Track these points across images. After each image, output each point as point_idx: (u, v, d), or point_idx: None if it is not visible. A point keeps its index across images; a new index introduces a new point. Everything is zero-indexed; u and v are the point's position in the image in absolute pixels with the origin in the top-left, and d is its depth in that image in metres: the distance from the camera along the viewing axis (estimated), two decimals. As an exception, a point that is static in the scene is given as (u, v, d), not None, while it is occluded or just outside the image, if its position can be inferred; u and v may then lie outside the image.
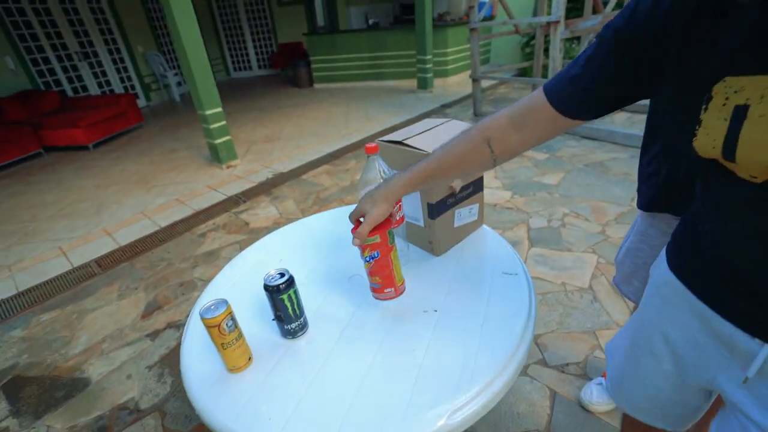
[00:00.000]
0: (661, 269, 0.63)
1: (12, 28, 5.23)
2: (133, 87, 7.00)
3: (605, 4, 4.02)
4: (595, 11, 4.02)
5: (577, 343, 1.51)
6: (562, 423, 1.24)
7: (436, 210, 0.88)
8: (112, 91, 6.62)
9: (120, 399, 1.51)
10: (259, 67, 9.60)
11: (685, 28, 0.41)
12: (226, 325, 0.66)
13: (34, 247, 2.69)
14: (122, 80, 6.83)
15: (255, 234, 2.57)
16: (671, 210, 0.86)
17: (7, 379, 1.66)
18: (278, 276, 0.71)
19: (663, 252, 0.65)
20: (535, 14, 6.32)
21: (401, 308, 0.81)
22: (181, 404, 1.46)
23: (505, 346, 0.69)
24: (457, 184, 0.90)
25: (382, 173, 0.81)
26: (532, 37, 6.12)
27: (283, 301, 0.71)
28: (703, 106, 0.41)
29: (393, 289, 0.81)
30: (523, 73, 6.34)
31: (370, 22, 7.91)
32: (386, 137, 0.91)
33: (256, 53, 9.46)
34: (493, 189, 2.79)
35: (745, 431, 0.52)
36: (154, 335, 1.82)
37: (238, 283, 0.97)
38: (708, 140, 0.41)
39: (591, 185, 2.71)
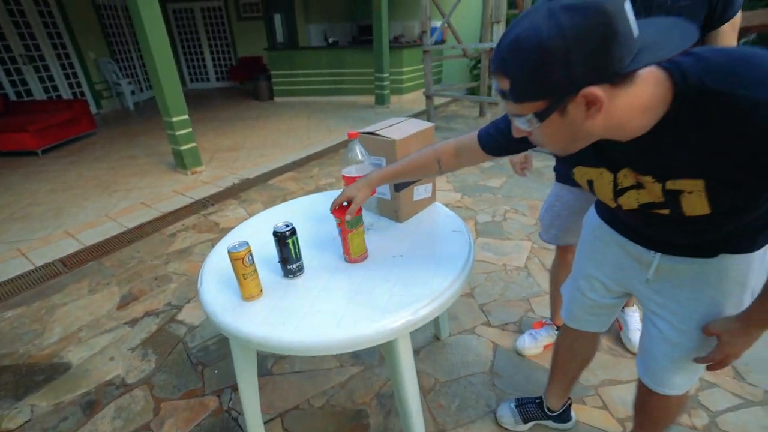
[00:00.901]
0: (592, 218, 0.95)
1: (-50, 28, 4.95)
2: (82, 93, 6.76)
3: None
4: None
5: (514, 308, 1.83)
6: (502, 366, 1.53)
7: (400, 185, 1.15)
8: (59, 96, 6.36)
9: (105, 377, 1.60)
10: (218, 79, 9.59)
11: None
12: (248, 259, 0.87)
13: (-11, 249, 2.62)
14: (71, 86, 6.58)
15: (227, 233, 2.69)
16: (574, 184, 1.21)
17: (-20, 369, 1.68)
18: (284, 226, 0.94)
19: (593, 208, 0.97)
20: (480, 40, 6.98)
21: (376, 255, 1.06)
22: (168, 376, 1.59)
23: (452, 272, 0.96)
24: (416, 166, 1.18)
25: (360, 154, 1.07)
26: (479, 61, 6.75)
27: (288, 245, 0.94)
28: None
29: (348, 256, 1.04)
30: (472, 92, 6.94)
31: (330, 40, 8.25)
32: (362, 129, 1.18)
33: (215, 65, 9.46)
34: (446, 191, 3.14)
35: (651, 312, 0.85)
36: (132, 323, 1.91)
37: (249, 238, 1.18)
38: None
39: (529, 187, 3.14)
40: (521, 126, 0.58)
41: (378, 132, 1.13)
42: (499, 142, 0.84)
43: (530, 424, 1.29)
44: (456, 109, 6.52)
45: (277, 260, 0.98)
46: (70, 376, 1.61)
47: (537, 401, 1.29)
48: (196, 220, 2.96)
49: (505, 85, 0.54)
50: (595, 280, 0.96)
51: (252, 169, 3.91)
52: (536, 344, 1.56)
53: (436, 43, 6.78)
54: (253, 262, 0.90)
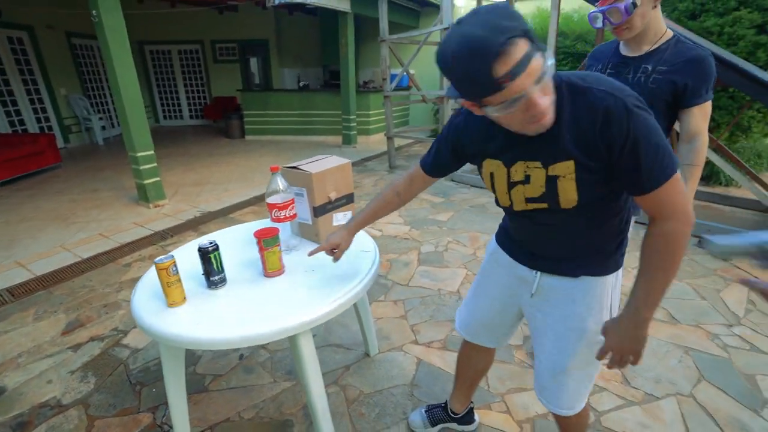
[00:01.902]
0: (492, 244, 1.13)
1: None
2: (50, 128, 6.79)
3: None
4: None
5: (442, 328, 2.01)
6: (422, 378, 1.69)
7: (318, 211, 1.36)
8: (25, 130, 6.37)
9: (40, 399, 1.64)
10: (191, 117, 9.82)
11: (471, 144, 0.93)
12: (172, 269, 1.04)
13: (-67, 279, 2.60)
14: (39, 120, 6.63)
15: (181, 262, 2.78)
16: None
17: None
18: (208, 243, 1.11)
19: (494, 236, 1.14)
20: (440, 88, 7.59)
21: (293, 270, 1.24)
22: (106, 396, 1.64)
23: (351, 283, 1.15)
24: (333, 195, 1.39)
25: (281, 184, 1.28)
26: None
27: (210, 259, 1.10)
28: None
29: (265, 271, 1.20)
30: (434, 134, 7.43)
31: (302, 83, 8.73)
32: (287, 164, 1.39)
33: (189, 103, 9.72)
34: (396, 224, 3.37)
35: (534, 329, 1.02)
36: (75, 347, 1.95)
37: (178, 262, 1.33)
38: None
39: (472, 221, 3.41)
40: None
41: (299, 166, 1.35)
42: (436, 164, 1.03)
43: (438, 427, 1.43)
44: (419, 149, 6.94)
45: (201, 273, 1.14)
46: (2, 400, 1.64)
47: (443, 406, 1.44)
48: (153, 250, 3.04)
49: None
50: (489, 299, 1.12)
51: (214, 203, 4.04)
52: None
53: (402, 88, 7.34)
54: (177, 272, 1.05)
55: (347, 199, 1.47)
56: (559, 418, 1.09)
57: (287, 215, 1.28)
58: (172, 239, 3.24)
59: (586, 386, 1.01)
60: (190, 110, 9.77)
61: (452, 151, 0.96)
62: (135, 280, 2.57)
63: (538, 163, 0.79)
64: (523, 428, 1.46)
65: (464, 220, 3.45)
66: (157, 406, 1.59)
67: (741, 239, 0.80)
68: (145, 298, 1.12)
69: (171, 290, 1.05)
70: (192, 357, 1.84)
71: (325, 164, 1.39)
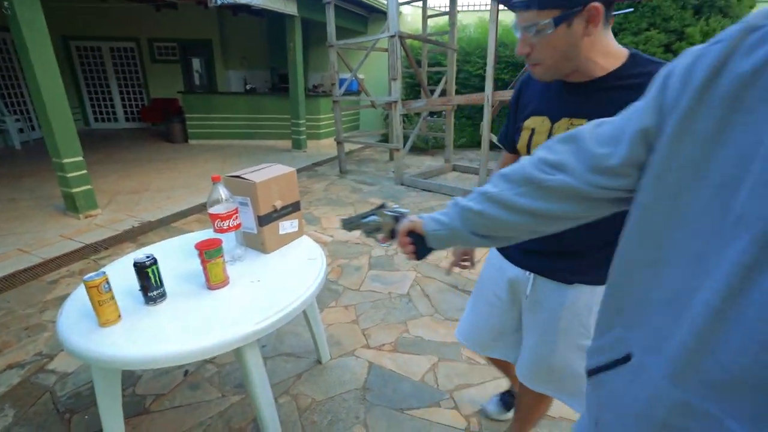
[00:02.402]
0: (492, 251, 1.12)
1: None
2: (-45, 131, 6.02)
3: (433, 91, 5.34)
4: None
5: (392, 330, 2.06)
6: (374, 382, 1.72)
7: (263, 220, 1.35)
8: (-77, 134, 5.59)
9: (-52, 438, 1.46)
10: (127, 119, 9.15)
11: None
12: (104, 287, 0.98)
13: None
14: (-60, 123, 5.85)
15: (117, 276, 2.60)
16: None
17: None
18: (145, 257, 1.07)
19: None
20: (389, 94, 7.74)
21: (238, 281, 1.22)
22: (28, 429, 1.50)
23: (297, 292, 1.16)
24: (278, 204, 1.39)
25: (223, 194, 1.25)
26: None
27: (147, 273, 1.06)
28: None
29: (208, 283, 1.17)
30: (384, 138, 7.55)
31: (248, 86, 8.46)
32: (229, 173, 1.36)
33: (124, 105, 9.05)
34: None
35: (525, 326, 1.04)
36: (-9, 377, 1.76)
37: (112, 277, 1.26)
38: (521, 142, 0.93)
39: (421, 224, 3.52)
40: (531, 35, 0.76)
41: (242, 175, 1.33)
42: (508, 134, 1.02)
43: (513, 410, 1.49)
44: (370, 154, 7.01)
45: (138, 289, 1.09)
46: None
47: (510, 392, 1.53)
48: (84, 265, 2.80)
49: None
50: (488, 305, 1.12)
51: (155, 212, 3.81)
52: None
53: (352, 93, 7.36)
54: (110, 289, 1.00)
55: (293, 207, 1.47)
56: (532, 397, 1.14)
57: (231, 225, 1.26)
58: (106, 251, 3.01)
59: (567, 381, 1.01)
60: (126, 112, 9.10)
61: (515, 112, 0.99)
62: (61, 299, 2.36)
63: (584, 121, 0.79)
64: (470, 422, 1.54)
65: (414, 223, 3.54)
66: (91, 433, 1.48)
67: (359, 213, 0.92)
68: (74, 319, 1.05)
69: (103, 309, 0.99)
70: (131, 377, 1.73)
71: (270, 173, 1.38)
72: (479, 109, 7.41)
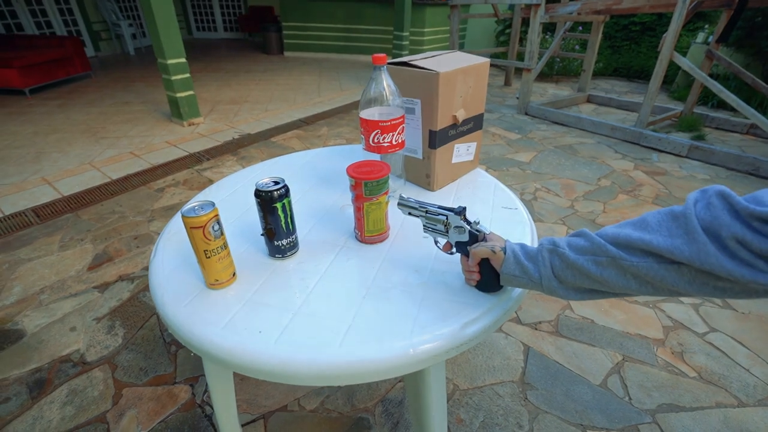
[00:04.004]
0: None
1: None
2: (79, 33, 6.30)
3: None
4: None
5: (550, 304, 1.55)
6: (535, 375, 1.27)
7: (438, 138, 0.83)
8: (53, 33, 5.92)
9: (62, 351, 1.35)
10: (225, 29, 9.00)
11: None
12: (212, 228, 0.57)
13: (-45, 191, 2.36)
14: (66, 23, 6.13)
15: (220, 191, 2.40)
16: None
17: None
18: (272, 183, 0.64)
19: None
20: None
21: (400, 236, 0.76)
22: (135, 356, 1.34)
23: (513, 268, 0.66)
24: (461, 114, 0.85)
25: (388, 89, 0.75)
26: (508, 25, 6.18)
27: (276, 210, 0.63)
28: None
29: (360, 234, 0.74)
30: (498, 57, 6.41)
31: (348, -8, 7.61)
32: (393, 60, 0.84)
33: (223, 14, 8.84)
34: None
35: None
36: (102, 287, 1.65)
37: (224, 201, 0.88)
38: None
39: (561, 165, 2.79)
40: None
41: (414, 63, 0.80)
42: None
43: None
44: (478, 77, 6.02)
45: (260, 232, 0.68)
46: (21, 347, 1.37)
47: None
48: (188, 175, 2.65)
49: None
50: None
51: (254, 124, 3.56)
52: None
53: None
54: (222, 233, 0.60)
55: (475, 124, 0.92)
56: None
57: (393, 141, 0.77)
58: (208, 162, 2.84)
59: None
60: (225, 21, 8.92)
61: None
62: (167, 209, 2.22)
63: None
64: (690, 468, 1.03)
65: (550, 163, 2.82)
66: (197, 377, 1.26)
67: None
68: (171, 267, 0.68)
69: (211, 263, 0.60)
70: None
71: (452, 61, 0.83)
72: (622, 27, 5.83)
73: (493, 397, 1.20)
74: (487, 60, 0.87)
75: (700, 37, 4.60)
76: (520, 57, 5.57)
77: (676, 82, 4.92)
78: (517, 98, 4.08)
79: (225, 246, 0.61)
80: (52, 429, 1.11)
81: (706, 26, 4.98)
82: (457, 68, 0.80)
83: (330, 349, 0.52)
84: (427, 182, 0.91)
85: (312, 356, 0.51)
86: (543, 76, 5.82)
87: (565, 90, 5.13)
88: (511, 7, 5.29)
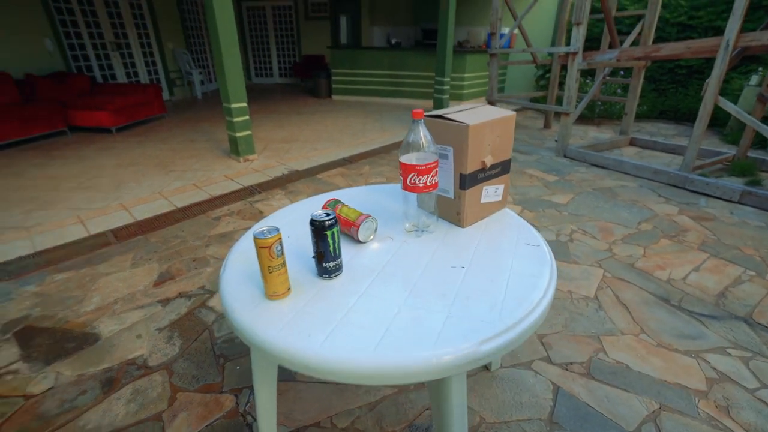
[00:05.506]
0: None
1: (55, 13, 5.47)
2: (158, 80, 7.21)
3: (622, 42, 4.20)
4: (611, 46, 4.20)
5: (582, 345, 1.54)
6: (565, 416, 1.26)
7: (468, 181, 0.95)
8: (138, 81, 6.82)
9: (129, 355, 1.54)
10: (281, 75, 9.89)
11: None
12: (276, 249, 0.72)
13: (53, 213, 2.75)
14: (149, 72, 7.05)
15: (269, 222, 2.62)
16: None
17: (20, 328, 1.69)
18: (325, 215, 0.77)
19: None
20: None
21: (430, 263, 0.87)
22: (189, 365, 1.49)
23: (530, 296, 0.74)
24: (489, 160, 0.97)
25: (424, 138, 0.88)
26: (548, 70, 6.33)
27: (326, 237, 0.77)
28: None
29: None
30: (537, 101, 6.52)
31: (393, 41, 8.20)
32: (430, 112, 0.99)
33: (279, 62, 9.77)
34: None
35: None
36: (165, 302, 1.85)
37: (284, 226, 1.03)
38: None
39: (599, 207, 2.78)
40: None
41: (448, 116, 0.94)
42: None
43: None
44: (518, 120, 6.14)
45: (312, 255, 0.81)
46: (97, 349, 1.57)
47: None
48: (241, 206, 2.92)
49: None
50: None
51: (302, 161, 3.86)
52: None
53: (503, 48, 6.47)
54: (283, 253, 0.74)
55: (503, 168, 1.03)
56: None
57: (428, 183, 0.89)
58: (260, 195, 3.11)
59: None
60: (280, 68, 9.83)
61: None
62: (222, 236, 2.46)
63: None
64: None
65: (588, 205, 2.82)
66: (241, 388, 1.38)
67: None
68: (238, 280, 0.83)
69: (272, 278, 0.74)
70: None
71: (481, 115, 0.96)
72: (668, 70, 5.78)
73: (520, 433, 1.21)
74: (513, 113, 1.00)
75: (754, 79, 4.48)
76: (559, 101, 5.65)
77: (729, 126, 4.76)
78: (556, 141, 4.13)
79: (284, 264, 0.75)
80: (117, 422, 1.26)
81: (760, 69, 4.84)
82: (486, 121, 0.93)
83: (365, 353, 0.63)
84: (457, 219, 1.01)
85: (350, 357, 0.62)
86: (584, 119, 5.84)
87: (606, 133, 5.10)
88: (551, 53, 5.46)
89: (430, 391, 0.77)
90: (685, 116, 5.68)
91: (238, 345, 1.58)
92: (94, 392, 1.37)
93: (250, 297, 0.77)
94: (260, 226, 0.75)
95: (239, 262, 0.90)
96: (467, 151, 0.91)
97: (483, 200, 1.02)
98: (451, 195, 0.99)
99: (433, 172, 0.90)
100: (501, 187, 1.06)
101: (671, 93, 5.86)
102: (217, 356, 1.53)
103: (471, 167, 0.94)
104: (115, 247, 2.37)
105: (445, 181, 0.99)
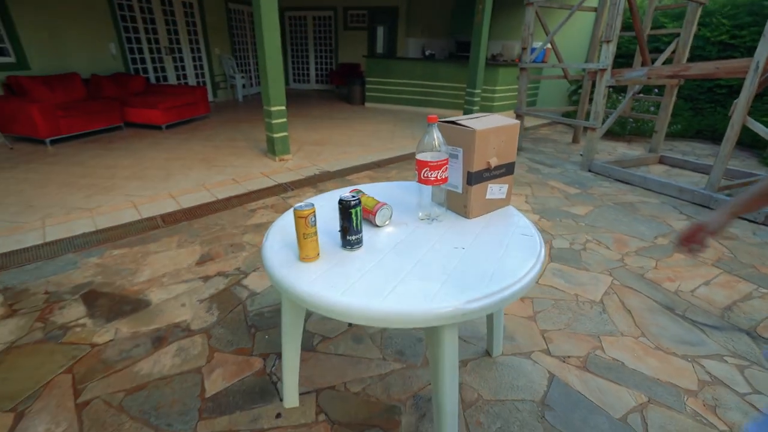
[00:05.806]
0: None
1: (120, 20, 6.04)
2: (204, 83, 7.74)
3: (654, 59, 4.21)
4: (643, 64, 4.22)
5: (581, 342, 1.64)
6: (556, 400, 1.38)
7: (473, 178, 1.11)
8: (186, 83, 7.35)
9: (175, 319, 1.77)
10: (317, 81, 10.31)
11: None
12: (310, 219, 0.90)
13: (111, 198, 3.10)
14: (197, 75, 7.59)
15: (299, 215, 2.85)
16: None
17: (85, 291, 1.97)
18: (351, 196, 0.96)
19: None
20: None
21: (437, 244, 1.03)
22: (225, 331, 1.70)
23: (512, 274, 0.89)
24: (493, 161, 1.12)
25: (437, 139, 1.05)
26: (580, 86, 6.34)
27: (350, 214, 0.95)
28: None
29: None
30: (568, 115, 6.52)
31: (427, 52, 8.42)
32: (442, 120, 1.16)
33: (316, 68, 10.20)
34: (524, 212, 2.96)
35: None
36: (205, 279, 2.09)
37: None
38: None
39: (617, 220, 2.83)
40: None
41: (460, 122, 1.11)
42: None
43: None
44: (547, 133, 6.18)
45: (338, 229, 0.99)
46: (148, 312, 1.82)
47: None
48: (275, 200, 3.17)
49: None
50: None
51: (333, 163, 4.10)
52: None
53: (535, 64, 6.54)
54: (315, 224, 0.92)
55: (507, 169, 1.19)
56: None
57: (438, 177, 1.06)
58: (292, 192, 3.35)
59: None
60: (317, 75, 10.26)
61: None
62: (257, 226, 2.70)
63: None
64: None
65: (606, 218, 2.88)
66: (268, 354, 1.58)
67: None
68: (277, 246, 1.02)
69: (306, 243, 0.92)
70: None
71: (489, 122, 1.12)
72: (706, 89, 5.67)
73: (513, 411, 1.33)
74: (517, 122, 1.15)
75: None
76: (589, 116, 5.65)
77: None
78: (581, 155, 4.18)
79: (315, 234, 0.93)
80: (165, 371, 1.48)
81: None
82: (491, 127, 1.09)
83: (376, 301, 0.80)
84: (464, 211, 1.17)
85: (364, 303, 0.79)
86: (615, 136, 5.81)
87: (637, 150, 5.07)
88: (583, 69, 5.49)
89: (427, 339, 0.93)
90: (722, 136, 5.53)
91: (267, 318, 1.79)
92: (146, 346, 1.61)
93: (287, 259, 0.96)
94: (299, 203, 0.94)
95: (278, 234, 1.09)
96: (474, 153, 1.07)
97: (488, 196, 1.17)
98: (460, 190, 1.15)
99: (443, 168, 1.07)
100: (505, 186, 1.21)
101: (708, 112, 5.74)
102: (249, 326, 1.74)
103: (477, 166, 1.10)
104: (163, 230, 2.65)
105: (455, 178, 1.15)
